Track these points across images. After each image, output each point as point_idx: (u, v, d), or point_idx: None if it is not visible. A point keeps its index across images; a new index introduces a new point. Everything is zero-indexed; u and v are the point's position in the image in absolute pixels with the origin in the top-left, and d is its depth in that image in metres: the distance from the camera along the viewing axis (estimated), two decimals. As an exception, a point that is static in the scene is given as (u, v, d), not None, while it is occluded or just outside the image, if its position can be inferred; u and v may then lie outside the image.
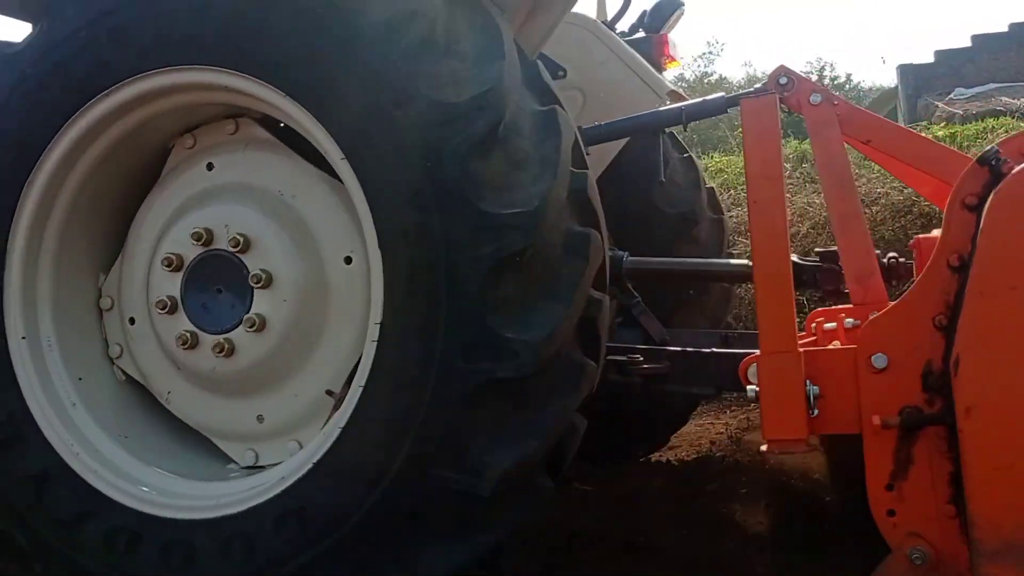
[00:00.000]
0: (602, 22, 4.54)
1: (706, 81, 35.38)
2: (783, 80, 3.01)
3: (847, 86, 30.98)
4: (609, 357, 3.15)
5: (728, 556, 3.22)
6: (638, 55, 4.30)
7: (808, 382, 2.31)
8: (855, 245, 2.74)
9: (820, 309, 3.08)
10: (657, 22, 4.61)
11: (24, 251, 2.82)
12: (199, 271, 2.76)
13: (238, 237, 2.69)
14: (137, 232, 2.97)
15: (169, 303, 2.78)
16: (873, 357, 2.27)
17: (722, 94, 3.92)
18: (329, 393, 2.68)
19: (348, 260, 2.66)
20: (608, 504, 3.98)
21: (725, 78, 36.92)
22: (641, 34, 4.65)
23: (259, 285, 2.66)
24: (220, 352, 2.70)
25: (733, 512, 3.70)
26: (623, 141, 4.04)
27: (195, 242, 2.75)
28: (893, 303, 2.33)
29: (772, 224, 2.33)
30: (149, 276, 2.88)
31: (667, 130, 4.68)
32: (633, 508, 3.89)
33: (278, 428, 2.77)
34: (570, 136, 2.58)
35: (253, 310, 2.66)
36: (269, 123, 2.85)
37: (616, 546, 3.41)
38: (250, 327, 2.66)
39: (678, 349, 3.31)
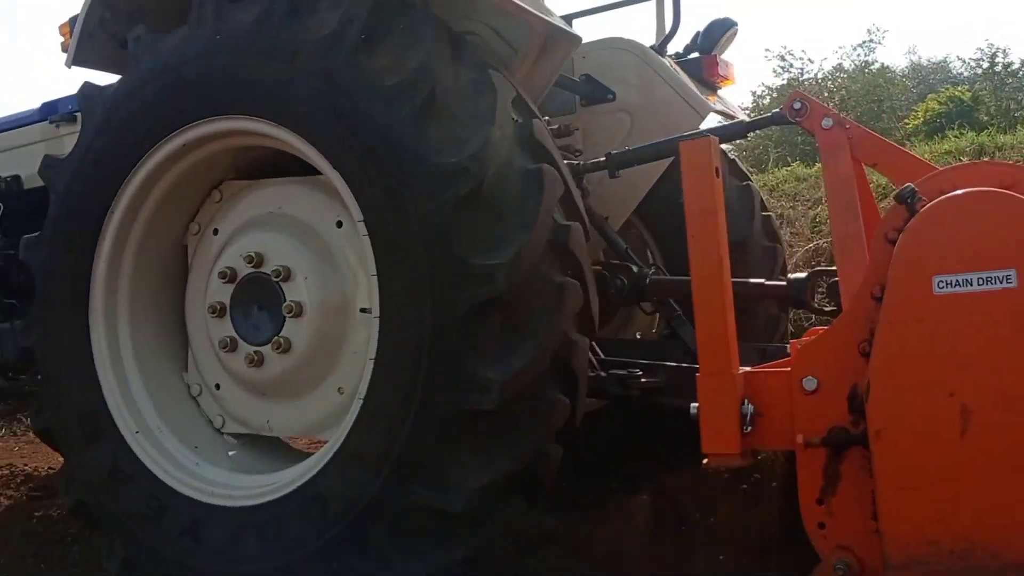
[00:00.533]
0: (655, 45, 4.71)
1: (867, 70, 33.53)
2: (797, 105, 3.20)
3: (1021, 72, 28.63)
4: (611, 371, 3.39)
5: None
6: (685, 77, 4.46)
7: (746, 401, 2.49)
8: (853, 266, 2.88)
9: (814, 328, 3.19)
10: (709, 43, 4.72)
11: (111, 365, 3.35)
12: (237, 301, 3.22)
13: (251, 255, 3.16)
14: (191, 316, 3.49)
15: (229, 341, 3.23)
16: (804, 380, 2.43)
17: (743, 119, 4.05)
18: (364, 310, 3.03)
19: (339, 224, 3.10)
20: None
21: (887, 66, 34.67)
22: (696, 55, 4.79)
23: (281, 279, 3.10)
24: (278, 349, 3.11)
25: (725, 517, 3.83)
26: (665, 163, 4.20)
27: (223, 281, 3.22)
28: (825, 329, 2.48)
29: (709, 255, 2.49)
30: (208, 332, 3.34)
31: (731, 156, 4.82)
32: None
33: (357, 389, 2.97)
34: (555, 191, 2.83)
35: (288, 300, 3.09)
36: (241, 175, 3.37)
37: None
38: (289, 313, 3.07)
39: (673, 364, 3.48)
